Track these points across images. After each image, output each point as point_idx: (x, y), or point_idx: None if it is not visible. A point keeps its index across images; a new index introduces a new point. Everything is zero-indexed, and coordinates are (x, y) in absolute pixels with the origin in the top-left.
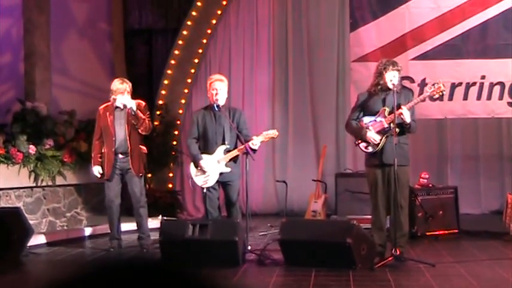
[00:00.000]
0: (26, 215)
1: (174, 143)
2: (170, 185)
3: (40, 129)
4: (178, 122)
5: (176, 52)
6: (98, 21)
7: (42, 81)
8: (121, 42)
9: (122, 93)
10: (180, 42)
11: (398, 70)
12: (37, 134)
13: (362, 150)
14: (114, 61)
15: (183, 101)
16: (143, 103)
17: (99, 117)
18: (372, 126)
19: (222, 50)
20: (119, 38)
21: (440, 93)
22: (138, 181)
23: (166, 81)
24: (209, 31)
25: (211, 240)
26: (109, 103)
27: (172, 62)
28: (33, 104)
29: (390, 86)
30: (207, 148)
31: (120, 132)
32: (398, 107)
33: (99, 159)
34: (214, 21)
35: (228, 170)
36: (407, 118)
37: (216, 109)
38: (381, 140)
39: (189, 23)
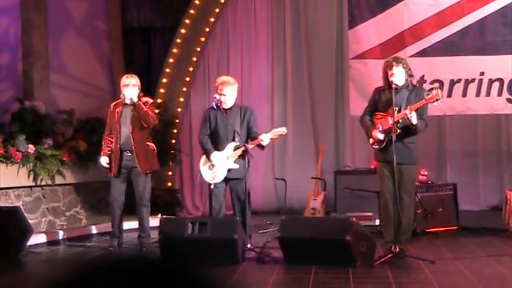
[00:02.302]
0: (26, 214)
1: (173, 141)
2: (169, 184)
3: (39, 128)
4: (177, 121)
5: (174, 50)
6: (96, 20)
7: (40, 80)
8: (119, 41)
9: (126, 87)
10: (179, 40)
11: (399, 66)
12: (36, 133)
13: (371, 145)
14: (112, 60)
15: (181, 100)
16: (151, 100)
17: (109, 114)
18: (381, 124)
19: (220, 48)
20: (117, 37)
21: (437, 100)
22: (143, 180)
23: (164, 80)
24: (207, 29)
25: (211, 238)
26: (120, 100)
27: (171, 60)
28: (32, 103)
29: (394, 84)
30: (217, 145)
31: (125, 129)
32: (406, 107)
33: (108, 152)
34: (212, 20)
35: (237, 166)
36: (414, 120)
37: (215, 107)
38: (384, 138)
39: (187, 21)
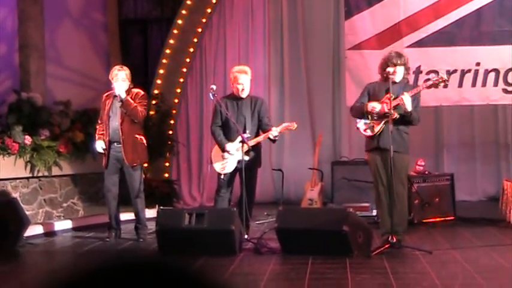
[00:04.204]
0: (22, 205)
1: (170, 132)
2: (166, 175)
3: (36, 119)
4: (174, 112)
5: (171, 41)
6: (93, 11)
7: (37, 71)
8: (116, 32)
9: (117, 80)
10: (175, 31)
11: (401, 65)
12: (33, 125)
13: (361, 133)
14: (109, 51)
15: (178, 90)
16: (141, 92)
17: (102, 104)
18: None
19: (217, 39)
20: (113, 28)
21: (443, 83)
22: (133, 172)
23: (161, 71)
24: (204, 20)
25: (208, 229)
26: (112, 91)
27: (168, 51)
28: (29, 94)
29: (392, 80)
30: (228, 136)
31: (114, 121)
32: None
33: (102, 137)
34: (209, 10)
35: (246, 158)
36: (408, 105)
37: (212, 98)
38: (380, 118)
39: (183, 12)
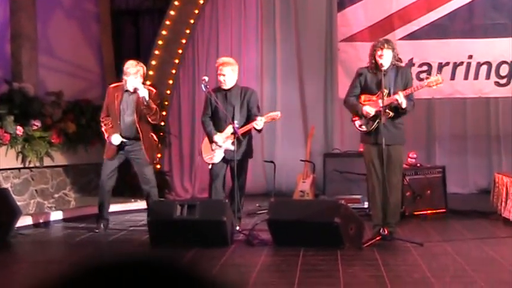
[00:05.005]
0: (14, 196)
1: (162, 123)
2: (158, 166)
3: (27, 110)
4: (166, 103)
5: (163, 32)
6: (85, 2)
7: (29, 62)
8: (108, 23)
9: (134, 75)
10: (168, 22)
11: (389, 49)
12: (24, 115)
13: (356, 128)
14: (101, 42)
15: (170, 82)
16: (154, 90)
17: (107, 96)
18: (369, 105)
19: (209, 30)
20: (106, 19)
21: (438, 85)
22: (150, 168)
23: (153, 62)
24: (196, 11)
25: (200, 220)
26: (120, 83)
27: (160, 42)
28: (20, 84)
29: (381, 65)
30: (218, 127)
31: (128, 117)
32: (396, 91)
33: (111, 128)
34: (201, 1)
35: (232, 147)
36: (404, 104)
37: (204, 90)
38: (375, 116)
39: (176, 3)
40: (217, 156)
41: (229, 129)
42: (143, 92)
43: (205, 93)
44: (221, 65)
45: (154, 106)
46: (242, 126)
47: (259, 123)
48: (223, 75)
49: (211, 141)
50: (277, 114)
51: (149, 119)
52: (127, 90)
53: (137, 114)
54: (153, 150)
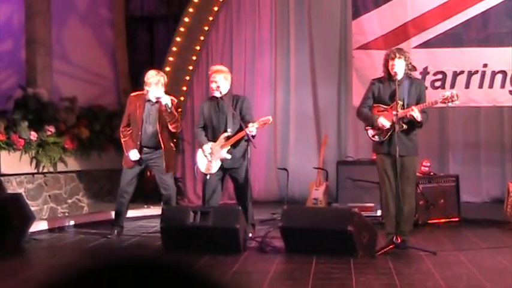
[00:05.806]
0: (27, 201)
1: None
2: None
3: (41, 115)
4: (180, 110)
5: (178, 39)
6: (100, 8)
7: (43, 67)
8: (122, 29)
9: (156, 85)
10: (182, 29)
11: (401, 58)
12: (38, 121)
13: (370, 137)
14: (115, 48)
15: (184, 89)
16: (175, 100)
17: (129, 104)
18: (383, 117)
19: (223, 37)
20: (120, 25)
21: (453, 102)
22: (171, 174)
23: (168, 68)
24: (211, 18)
25: (213, 227)
26: (141, 92)
27: (174, 49)
28: (35, 90)
29: (394, 74)
30: (212, 137)
31: (149, 127)
32: (409, 103)
33: (130, 139)
34: (216, 8)
35: (229, 156)
36: (418, 118)
37: (218, 98)
38: (390, 127)
39: (190, 9)
40: (214, 166)
41: (221, 138)
42: (166, 99)
43: (200, 104)
44: (214, 72)
45: (176, 113)
46: (236, 134)
47: (251, 129)
48: (216, 82)
49: (202, 150)
50: (268, 118)
51: (170, 127)
52: (149, 100)
53: (160, 125)
54: (173, 159)
